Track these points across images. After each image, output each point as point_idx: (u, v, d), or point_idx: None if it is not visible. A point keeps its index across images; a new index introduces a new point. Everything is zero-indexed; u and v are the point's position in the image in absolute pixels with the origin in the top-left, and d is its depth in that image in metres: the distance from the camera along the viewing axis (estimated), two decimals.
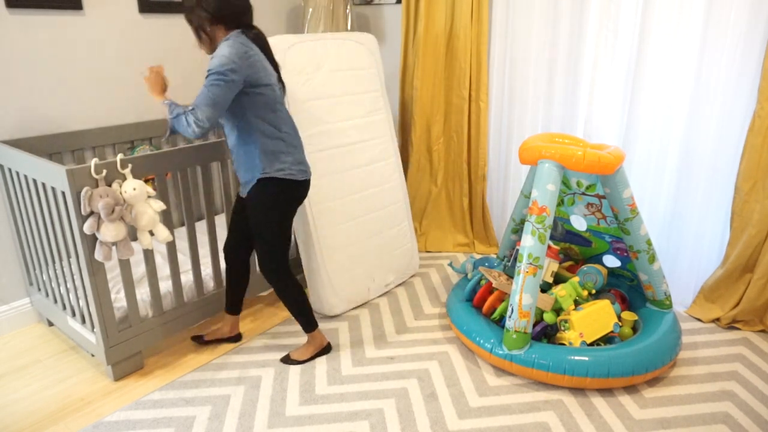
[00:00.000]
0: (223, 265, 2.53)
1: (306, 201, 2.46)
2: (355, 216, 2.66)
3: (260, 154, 1.97)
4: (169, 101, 1.94)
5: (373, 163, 2.76)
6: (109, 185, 1.95)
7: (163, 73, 2.05)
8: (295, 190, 2.06)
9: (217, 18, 1.90)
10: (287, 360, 2.31)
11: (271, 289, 2.80)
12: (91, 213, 1.91)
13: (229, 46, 1.85)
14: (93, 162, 1.91)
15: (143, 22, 2.78)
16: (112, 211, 1.89)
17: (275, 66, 2.04)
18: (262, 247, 2.11)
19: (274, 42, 2.40)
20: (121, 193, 1.96)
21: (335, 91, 2.60)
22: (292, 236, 2.53)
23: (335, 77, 2.61)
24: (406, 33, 3.23)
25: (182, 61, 2.98)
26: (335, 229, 2.59)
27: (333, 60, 2.61)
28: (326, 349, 2.36)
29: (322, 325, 2.58)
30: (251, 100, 1.91)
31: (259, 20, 3.31)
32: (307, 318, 2.26)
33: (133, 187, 1.97)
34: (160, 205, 2.07)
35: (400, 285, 2.98)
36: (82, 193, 1.86)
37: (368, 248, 2.73)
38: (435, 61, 3.18)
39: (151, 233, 2.10)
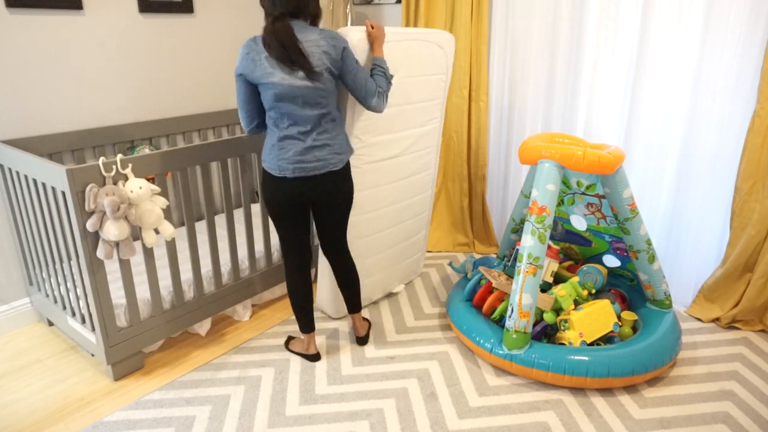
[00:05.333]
0: (223, 264, 2.53)
1: None
2: (381, 228, 2.57)
3: (264, 145, 2.07)
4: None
5: (415, 174, 2.62)
6: (114, 184, 1.96)
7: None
8: (272, 182, 2.03)
9: (262, 5, 1.97)
10: (287, 343, 2.42)
11: (270, 289, 2.80)
12: (94, 211, 1.91)
13: (241, 47, 1.95)
14: (101, 160, 1.91)
15: (143, 22, 2.78)
16: (118, 209, 1.89)
17: (292, 59, 1.88)
18: None
19: (360, 38, 2.09)
20: (125, 192, 1.96)
21: (402, 100, 2.38)
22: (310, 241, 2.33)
23: (407, 84, 2.37)
24: None
25: (182, 61, 2.98)
26: (360, 241, 2.51)
27: (409, 65, 2.34)
28: (310, 357, 2.32)
29: (324, 324, 2.58)
30: (262, 96, 1.98)
31: (258, 20, 3.31)
32: (296, 318, 2.29)
33: (139, 186, 1.97)
34: (163, 202, 2.08)
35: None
36: (87, 190, 1.87)
37: (385, 258, 2.68)
38: None
39: (156, 231, 2.10)
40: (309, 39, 1.90)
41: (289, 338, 2.44)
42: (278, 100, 1.92)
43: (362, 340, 2.42)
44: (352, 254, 2.49)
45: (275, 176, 2.01)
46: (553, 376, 2.08)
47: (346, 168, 2.09)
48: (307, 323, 2.27)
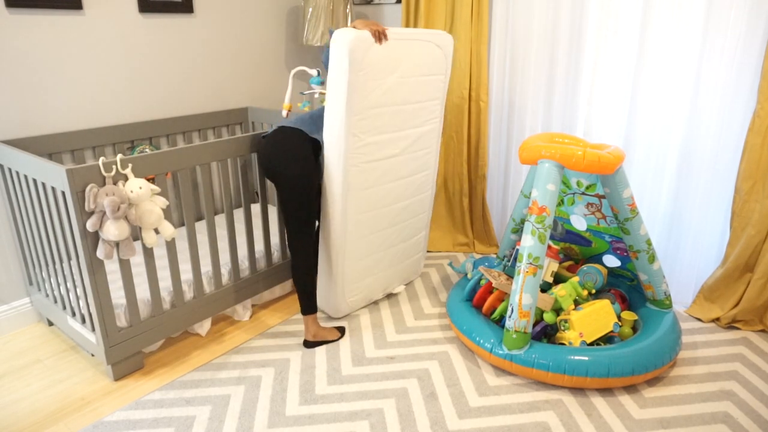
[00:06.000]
0: (223, 264, 2.53)
1: (343, 212, 2.36)
2: (383, 227, 2.58)
3: None
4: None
5: (414, 175, 2.62)
6: (114, 184, 1.96)
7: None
8: None
9: None
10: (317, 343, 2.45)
11: (270, 289, 2.80)
12: (94, 211, 1.91)
13: None
14: (101, 160, 1.91)
15: (143, 22, 2.78)
16: (118, 209, 1.89)
17: None
18: None
19: (356, 38, 2.10)
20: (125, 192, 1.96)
21: (400, 100, 2.37)
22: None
23: (406, 84, 2.36)
24: None
25: (182, 62, 2.98)
26: (362, 240, 2.51)
27: (407, 65, 2.33)
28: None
29: (324, 325, 2.57)
30: None
31: (258, 20, 3.32)
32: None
33: (139, 186, 1.97)
34: (163, 201, 2.08)
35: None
36: (87, 189, 1.87)
37: (385, 258, 2.67)
38: None
39: (156, 231, 2.10)
40: None
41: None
42: None
43: (305, 343, 2.41)
44: (353, 255, 2.50)
45: None
46: (553, 376, 2.08)
47: (276, 139, 2.27)
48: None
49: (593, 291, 2.45)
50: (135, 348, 2.21)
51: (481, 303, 2.45)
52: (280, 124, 2.33)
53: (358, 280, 2.60)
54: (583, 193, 2.36)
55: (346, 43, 2.09)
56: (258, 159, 2.35)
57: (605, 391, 2.12)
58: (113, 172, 1.94)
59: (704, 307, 2.62)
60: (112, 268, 2.47)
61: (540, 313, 2.28)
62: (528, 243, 2.12)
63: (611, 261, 2.62)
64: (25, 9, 2.37)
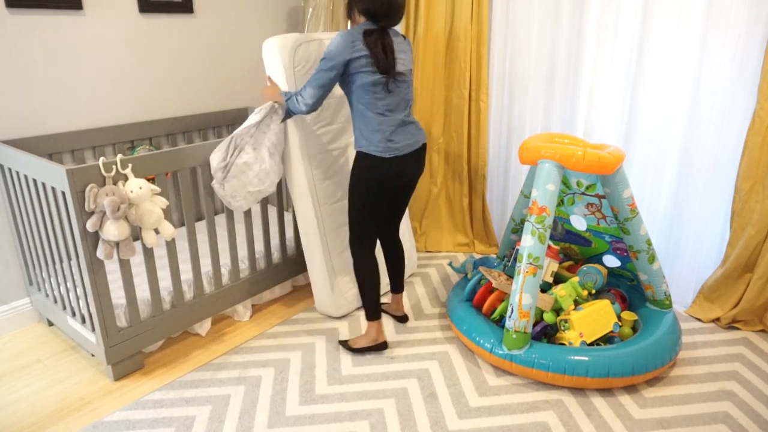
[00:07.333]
0: (223, 264, 2.53)
1: (314, 202, 2.47)
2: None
3: (357, 130, 2.17)
4: (283, 92, 2.26)
5: None
6: (114, 185, 1.96)
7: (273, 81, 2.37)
8: (381, 166, 2.14)
9: (362, 12, 2.11)
10: (344, 344, 2.41)
11: (270, 289, 2.80)
12: (94, 211, 1.91)
13: (339, 36, 2.05)
14: (101, 160, 1.91)
15: (143, 22, 2.78)
16: (118, 209, 1.89)
17: (389, 56, 2.09)
18: (349, 217, 2.29)
19: (281, 41, 2.33)
20: (125, 192, 1.96)
21: (336, 92, 2.54)
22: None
23: None
24: (405, 33, 3.23)
25: (182, 62, 2.98)
26: (339, 230, 2.59)
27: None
28: (380, 347, 2.37)
29: (323, 324, 2.58)
30: (351, 83, 2.12)
31: (258, 20, 3.31)
32: (367, 305, 2.34)
33: (139, 186, 1.97)
34: (163, 202, 2.08)
35: None
36: (87, 190, 1.87)
37: None
38: (435, 61, 3.18)
39: (156, 231, 2.11)
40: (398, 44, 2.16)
41: (343, 342, 2.40)
42: (379, 86, 2.09)
43: (405, 319, 2.61)
44: (335, 246, 2.59)
45: (383, 158, 2.13)
46: (553, 376, 2.08)
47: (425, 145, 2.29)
48: (379, 307, 2.37)
49: (593, 291, 2.45)
50: (135, 348, 2.21)
51: (481, 303, 2.45)
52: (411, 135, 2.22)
53: (349, 271, 2.65)
54: (583, 193, 2.36)
55: (274, 46, 2.31)
56: (411, 175, 2.27)
57: (605, 391, 2.12)
58: (113, 172, 1.95)
59: (704, 307, 2.62)
60: (112, 268, 2.47)
61: (540, 313, 2.28)
62: (528, 243, 2.12)
63: (611, 261, 2.62)
64: (25, 9, 2.36)
